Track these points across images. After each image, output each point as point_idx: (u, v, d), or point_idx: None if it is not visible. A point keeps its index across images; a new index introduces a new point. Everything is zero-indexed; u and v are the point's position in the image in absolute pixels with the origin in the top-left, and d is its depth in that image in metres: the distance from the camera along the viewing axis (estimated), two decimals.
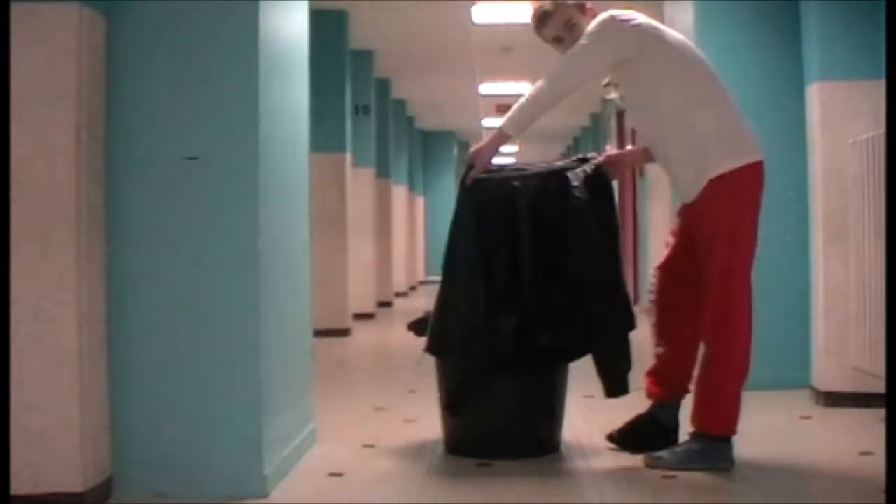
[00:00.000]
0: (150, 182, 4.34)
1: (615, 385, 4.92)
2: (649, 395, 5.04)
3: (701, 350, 4.84)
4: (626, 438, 5.06)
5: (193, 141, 4.33)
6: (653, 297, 5.02)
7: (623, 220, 16.19)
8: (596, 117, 20.14)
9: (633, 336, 4.94)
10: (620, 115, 16.42)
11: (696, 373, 4.84)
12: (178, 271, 4.34)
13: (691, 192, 4.73)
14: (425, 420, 5.67)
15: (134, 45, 4.34)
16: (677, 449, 4.76)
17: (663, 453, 4.75)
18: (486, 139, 4.98)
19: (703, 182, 4.66)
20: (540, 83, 4.74)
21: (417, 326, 5.19)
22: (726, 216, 4.69)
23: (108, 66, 4.29)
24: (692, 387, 4.86)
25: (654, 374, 5.02)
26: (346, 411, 6.41)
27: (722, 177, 4.64)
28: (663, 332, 4.96)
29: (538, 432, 5.11)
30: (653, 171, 13.07)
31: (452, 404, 4.95)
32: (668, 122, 4.74)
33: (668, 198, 12.69)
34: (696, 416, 4.74)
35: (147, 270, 4.34)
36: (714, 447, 4.68)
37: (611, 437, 5.11)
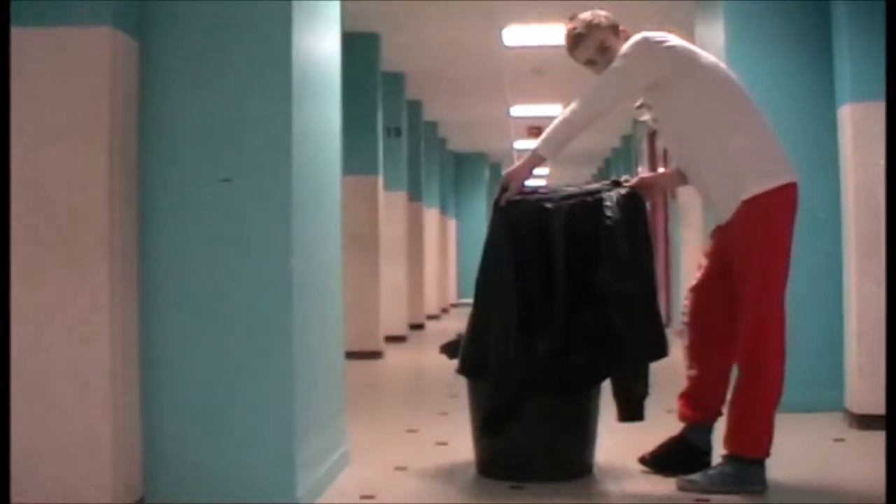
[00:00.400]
0: (183, 204, 4.37)
1: (629, 409, 4.90)
2: (682, 417, 5.02)
3: (734, 372, 4.82)
4: (659, 461, 5.04)
5: (227, 163, 4.37)
6: (685, 318, 5.00)
7: (655, 243, 16.12)
8: (627, 139, 20.08)
9: (666, 359, 4.92)
10: (652, 137, 16.39)
11: (729, 395, 4.81)
12: (211, 293, 4.37)
13: (724, 214, 4.73)
14: (457, 442, 5.66)
15: (166, 67, 4.37)
16: (710, 472, 4.73)
17: (696, 476, 4.73)
18: (520, 162, 4.95)
19: (737, 204, 4.66)
20: (573, 105, 4.75)
21: (450, 349, 5.19)
22: (760, 238, 4.68)
23: (140, 89, 4.32)
24: (725, 409, 4.83)
25: (687, 397, 5.00)
26: (378, 433, 6.41)
27: (756, 198, 4.64)
28: (696, 354, 4.94)
29: (571, 454, 5.11)
30: (684, 193, 13.00)
31: (489, 424, 4.94)
32: (702, 143, 4.74)
33: (699, 220, 12.67)
34: (730, 439, 4.73)
35: (180, 292, 4.37)
36: (747, 470, 4.67)
37: (643, 460, 5.09)
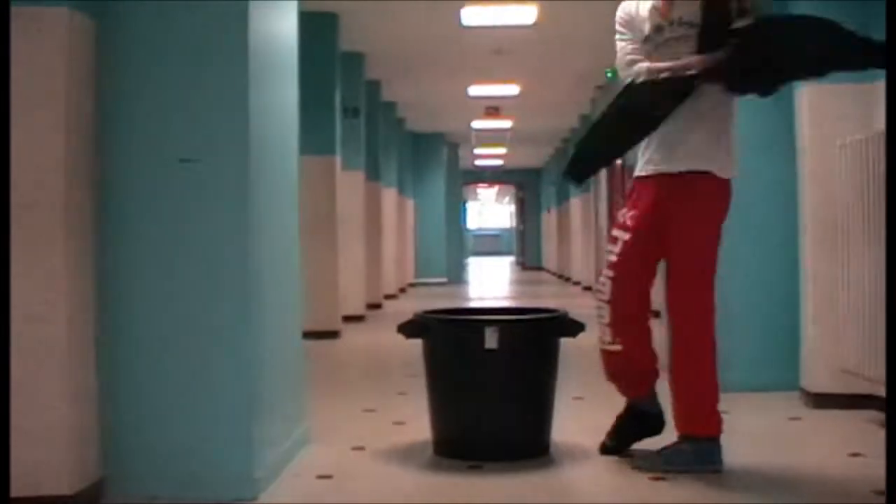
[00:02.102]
0: (140, 184, 4.34)
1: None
2: (624, 394, 5.05)
3: (664, 348, 4.88)
4: (619, 440, 5.04)
5: (185, 143, 4.34)
6: (605, 297, 4.92)
7: (612, 223, 16.15)
8: (586, 119, 20.08)
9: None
10: None
11: (668, 374, 4.85)
12: (168, 273, 4.35)
13: (690, 162, 4.75)
14: (415, 422, 5.66)
15: (124, 47, 4.34)
16: (666, 451, 4.75)
17: (652, 456, 4.75)
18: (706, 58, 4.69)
19: (708, 167, 4.73)
20: None
21: (408, 328, 5.18)
22: (719, 219, 4.81)
23: (98, 69, 4.29)
24: (661, 368, 4.90)
25: (621, 375, 5.01)
26: (337, 413, 6.40)
27: (726, 182, 4.79)
28: (620, 330, 4.91)
29: (527, 434, 5.12)
30: None
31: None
32: (718, 104, 4.77)
33: None
34: (679, 420, 4.79)
35: (137, 271, 4.34)
36: (703, 448, 4.70)
37: (606, 449, 5.06)
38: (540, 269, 34.18)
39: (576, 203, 22.14)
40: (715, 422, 4.74)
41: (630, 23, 4.90)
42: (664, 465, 4.69)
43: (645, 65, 4.78)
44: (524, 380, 5.08)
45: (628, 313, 4.90)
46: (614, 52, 4.94)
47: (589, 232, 19.65)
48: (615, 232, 4.95)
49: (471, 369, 5.08)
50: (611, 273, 4.90)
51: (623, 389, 5.06)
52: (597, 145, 5.01)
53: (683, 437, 4.75)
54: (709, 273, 4.80)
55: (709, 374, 4.76)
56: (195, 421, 4.32)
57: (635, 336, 4.92)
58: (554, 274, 29.43)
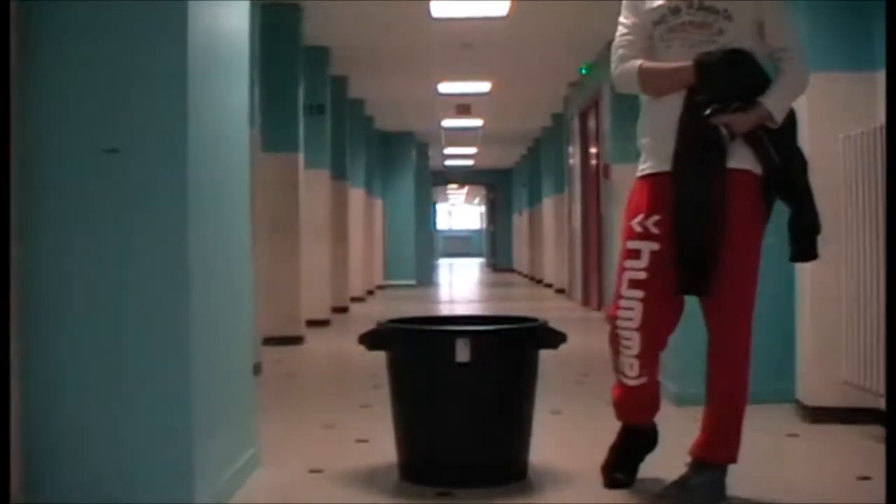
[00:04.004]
0: (62, 175, 3.88)
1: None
2: (632, 422, 4.53)
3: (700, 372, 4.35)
4: (629, 468, 4.51)
5: (113, 132, 3.86)
6: (634, 324, 4.29)
7: (587, 225, 15.83)
8: (558, 118, 19.76)
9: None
10: (584, 116, 16.08)
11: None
12: (96, 275, 3.87)
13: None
14: (379, 440, 5.17)
15: (47, 28, 3.87)
16: (685, 484, 4.23)
17: (671, 490, 4.24)
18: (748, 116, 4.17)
19: (747, 163, 4.19)
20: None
21: (370, 339, 4.68)
22: (762, 221, 4.31)
23: (17, 50, 3.80)
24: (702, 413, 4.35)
25: (639, 406, 4.47)
26: (293, 429, 5.95)
27: (753, 175, 4.24)
28: (648, 361, 4.35)
29: (503, 455, 4.62)
30: (618, 172, 12.72)
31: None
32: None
33: None
34: (704, 446, 4.29)
35: (61, 274, 3.87)
36: (716, 477, 4.25)
37: (616, 483, 4.48)
38: (511, 270, 34.10)
39: (548, 204, 21.84)
40: (737, 446, 4.28)
41: (637, 6, 4.35)
42: (685, 500, 4.20)
43: (637, 63, 4.28)
44: (499, 397, 4.57)
45: (661, 342, 4.36)
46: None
47: (562, 234, 19.32)
48: (635, 244, 4.29)
49: (440, 385, 4.57)
50: (639, 293, 4.25)
51: (633, 419, 4.53)
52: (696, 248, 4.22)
53: (700, 465, 4.26)
54: (752, 282, 4.27)
55: (745, 395, 4.28)
56: (130, 442, 3.85)
57: (657, 363, 4.41)
58: (525, 276, 29.25)
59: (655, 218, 4.25)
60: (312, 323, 11.93)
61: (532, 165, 26.46)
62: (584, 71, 14.87)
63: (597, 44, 12.66)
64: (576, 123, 16.89)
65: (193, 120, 3.93)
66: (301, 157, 11.11)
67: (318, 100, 12.77)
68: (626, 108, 12.47)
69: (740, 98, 4.12)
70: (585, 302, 15.97)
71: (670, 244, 4.19)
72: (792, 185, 4.23)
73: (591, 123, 15.42)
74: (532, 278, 26.96)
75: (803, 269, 5.87)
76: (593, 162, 15.34)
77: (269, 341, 9.98)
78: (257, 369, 8.15)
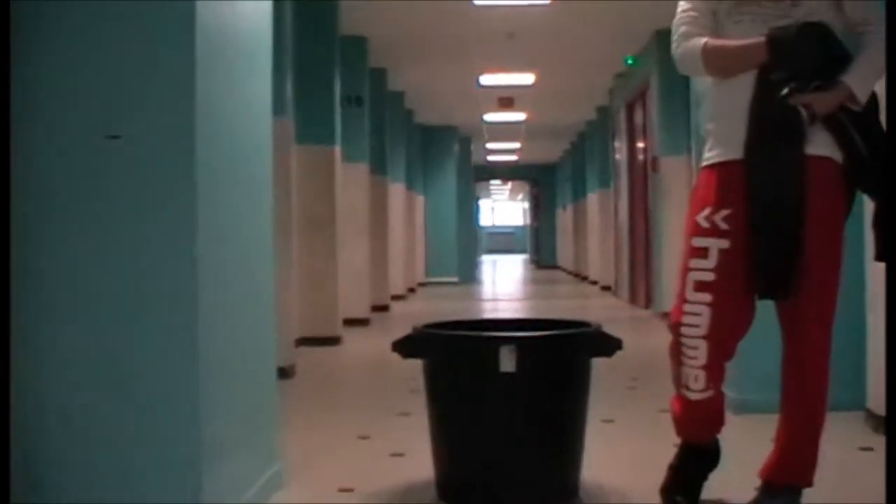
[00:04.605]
0: (61, 164, 3.48)
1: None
2: (695, 440, 4.08)
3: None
4: (692, 491, 4.04)
5: (116, 119, 3.47)
6: (701, 330, 3.85)
7: (634, 220, 15.42)
8: (603, 111, 19.34)
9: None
10: (630, 108, 15.67)
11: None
12: (95, 274, 3.47)
13: (808, 141, 3.74)
14: (416, 453, 4.76)
15: (49, 14, 3.50)
16: None
17: None
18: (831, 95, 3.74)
19: (829, 151, 3.77)
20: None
21: (404, 346, 4.26)
22: (844, 216, 3.88)
23: (13, 33, 3.41)
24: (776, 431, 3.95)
25: (703, 421, 4.04)
26: (325, 441, 5.56)
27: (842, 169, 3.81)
28: (716, 374, 3.91)
29: (552, 474, 4.20)
30: (667, 165, 12.32)
31: None
32: None
33: (683, 195, 11.95)
34: (780, 468, 3.88)
35: (58, 272, 3.48)
36: (789, 502, 3.84)
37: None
38: (555, 267, 33.76)
39: (593, 199, 21.46)
40: (815, 467, 3.88)
41: None
42: None
43: (701, 41, 3.84)
44: (548, 410, 4.14)
45: (731, 350, 3.92)
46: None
47: (608, 229, 18.94)
48: (702, 241, 3.85)
49: (482, 397, 4.15)
50: (707, 297, 3.82)
51: (696, 436, 4.07)
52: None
53: (778, 489, 3.86)
54: (835, 283, 3.86)
55: (824, 411, 3.89)
56: (132, 469, 3.44)
57: (724, 374, 3.96)
58: (569, 272, 28.86)
59: (725, 212, 3.80)
60: (351, 322, 11.67)
61: (576, 160, 26.12)
62: (630, 62, 14.46)
63: (644, 33, 12.32)
64: (622, 116, 16.48)
65: (203, 108, 3.53)
66: (338, 150, 10.79)
67: (356, 91, 12.44)
68: (676, 100, 12.11)
69: (819, 77, 3.67)
70: (633, 300, 15.55)
71: (742, 241, 3.75)
72: (877, 175, 3.77)
73: (639, 116, 15.03)
74: (577, 275, 26.59)
75: (876, 267, 5.42)
76: (640, 156, 14.94)
77: (305, 342, 9.65)
78: (290, 372, 7.81)
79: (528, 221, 44.96)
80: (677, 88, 11.95)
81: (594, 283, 21.60)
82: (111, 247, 3.46)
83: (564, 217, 31.20)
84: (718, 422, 4.03)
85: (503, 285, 24.70)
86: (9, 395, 3.25)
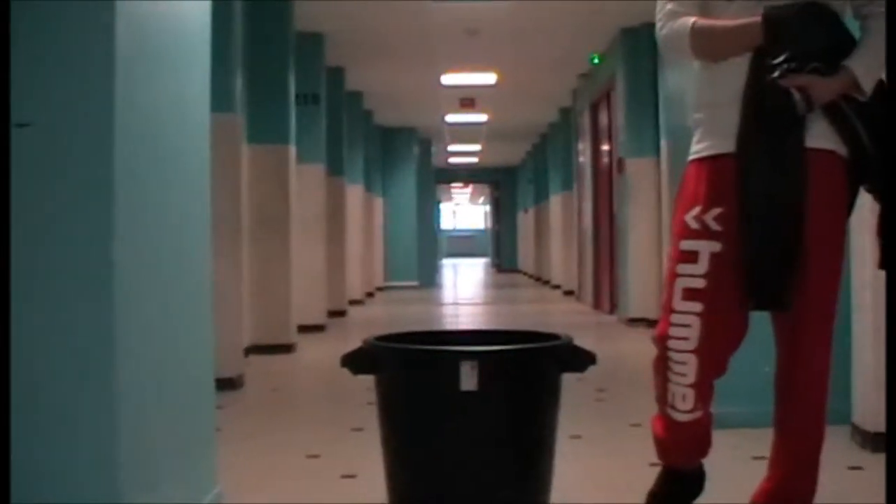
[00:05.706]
0: None
1: None
2: (676, 463, 3.73)
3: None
4: None
5: (24, 105, 3.07)
6: (690, 344, 3.50)
7: (598, 223, 15.16)
8: (566, 112, 19.09)
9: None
10: (595, 109, 15.40)
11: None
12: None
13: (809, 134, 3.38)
14: (369, 473, 4.42)
15: None
16: None
17: None
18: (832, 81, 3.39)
19: (832, 144, 3.42)
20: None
21: (354, 361, 3.86)
22: (846, 214, 3.53)
23: None
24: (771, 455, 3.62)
25: (690, 445, 3.71)
26: (271, 460, 5.20)
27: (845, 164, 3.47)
28: (704, 392, 3.57)
29: (516, 501, 3.77)
30: (633, 167, 12.04)
31: None
32: None
33: (650, 197, 11.67)
34: (782, 497, 3.54)
35: None
36: None
37: None
38: (516, 271, 33.69)
39: (555, 201, 21.27)
40: (813, 494, 3.57)
41: None
42: None
43: (690, 20, 3.45)
44: (514, 432, 3.73)
45: (722, 365, 3.55)
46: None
47: (571, 233, 18.68)
48: (691, 244, 3.48)
49: (441, 419, 3.74)
50: (697, 306, 3.47)
51: (681, 461, 3.72)
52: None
53: None
54: (835, 290, 3.52)
55: (823, 429, 3.59)
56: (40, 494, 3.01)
57: (713, 392, 3.60)
58: (531, 276, 28.72)
59: (716, 211, 3.43)
60: (306, 328, 11.37)
61: (538, 162, 25.97)
62: (595, 60, 14.18)
63: (610, 31, 12.11)
64: (586, 117, 16.23)
65: (123, 103, 3.12)
66: (293, 149, 10.49)
67: (311, 90, 12.15)
68: (643, 99, 11.84)
69: (820, 61, 3.30)
70: (597, 305, 15.27)
71: (735, 244, 3.37)
72: (883, 174, 3.40)
73: (603, 116, 14.78)
74: (538, 279, 26.43)
75: (863, 274, 5.13)
76: (605, 158, 14.68)
77: (257, 350, 9.30)
78: (237, 383, 7.45)
79: (490, 225, 44.92)
80: (644, 88, 11.71)
81: (556, 287, 21.42)
82: (17, 240, 3.04)
83: (526, 220, 31.11)
84: (706, 445, 3.67)
85: (464, 289, 24.55)
86: (9, 396, 2.94)
